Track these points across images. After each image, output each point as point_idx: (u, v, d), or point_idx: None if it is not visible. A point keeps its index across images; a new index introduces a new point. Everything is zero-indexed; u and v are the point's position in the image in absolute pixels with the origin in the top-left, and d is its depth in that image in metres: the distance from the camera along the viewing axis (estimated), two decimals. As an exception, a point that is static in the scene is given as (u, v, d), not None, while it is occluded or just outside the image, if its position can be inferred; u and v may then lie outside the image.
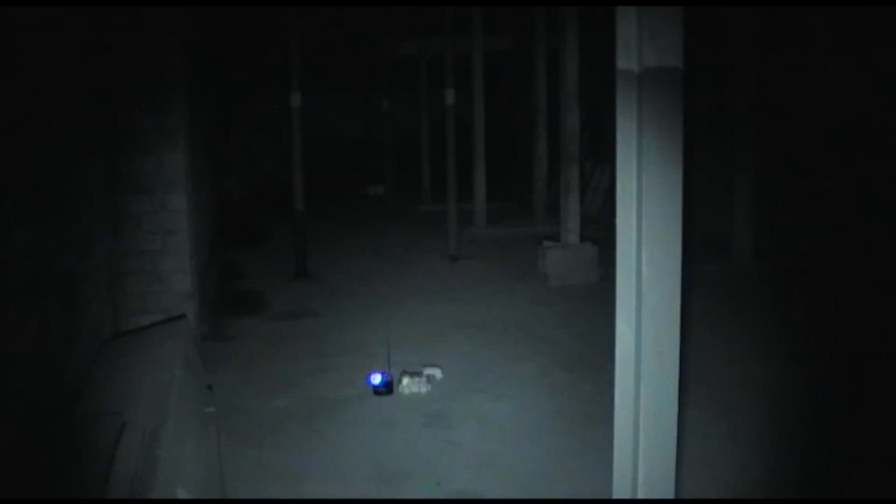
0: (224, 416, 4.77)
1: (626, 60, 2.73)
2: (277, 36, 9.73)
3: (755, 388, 5.24)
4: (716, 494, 3.88)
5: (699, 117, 9.17)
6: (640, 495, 2.82)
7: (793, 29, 8.26)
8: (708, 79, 9.36)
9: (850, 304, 6.77)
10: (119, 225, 5.47)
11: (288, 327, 7.01)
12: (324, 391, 5.44)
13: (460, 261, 9.43)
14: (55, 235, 3.96)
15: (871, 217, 7.16)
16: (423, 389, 5.36)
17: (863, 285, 6.98)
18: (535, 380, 5.59)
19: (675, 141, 2.70)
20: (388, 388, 5.32)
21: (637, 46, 2.67)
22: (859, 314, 6.51)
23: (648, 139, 2.68)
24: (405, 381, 5.38)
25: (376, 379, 5.34)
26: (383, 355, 5.63)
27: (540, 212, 11.21)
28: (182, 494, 3.10)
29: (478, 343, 6.41)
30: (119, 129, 5.43)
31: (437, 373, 5.57)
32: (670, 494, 2.86)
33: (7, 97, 3.40)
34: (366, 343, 6.32)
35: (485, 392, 5.37)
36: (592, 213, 11.17)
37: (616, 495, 2.92)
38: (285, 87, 8.91)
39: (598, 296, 7.24)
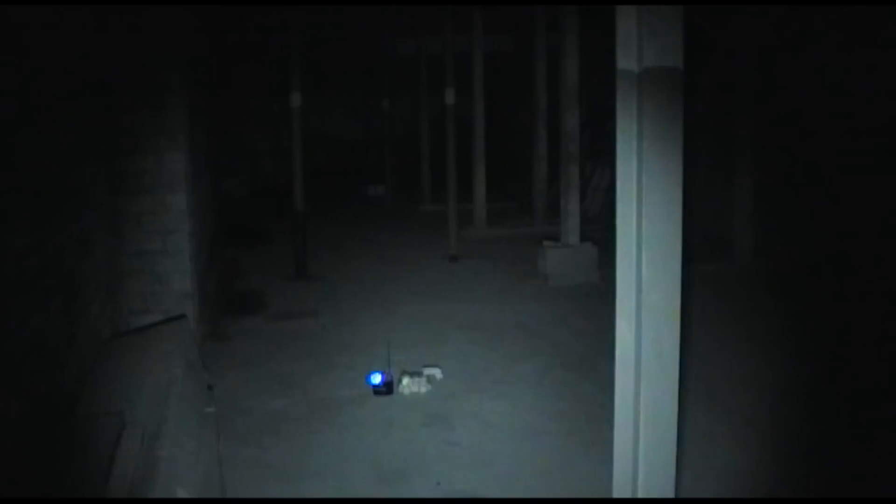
0: (224, 416, 4.78)
1: (626, 60, 2.74)
2: (277, 36, 9.73)
3: (755, 387, 5.24)
4: (716, 494, 3.88)
5: (699, 117, 9.18)
6: (640, 495, 2.82)
7: (793, 29, 8.26)
8: (708, 79, 9.36)
9: (849, 304, 6.77)
10: (119, 225, 5.47)
11: (288, 327, 7.00)
12: (324, 391, 5.44)
13: (460, 261, 9.42)
14: (55, 235, 3.97)
15: (871, 217, 7.16)
16: (423, 389, 5.35)
17: (863, 285, 6.98)
18: (535, 380, 5.59)
19: (675, 141, 2.70)
20: (388, 388, 5.32)
21: (637, 46, 2.67)
22: (859, 314, 6.51)
23: (648, 139, 2.68)
24: (405, 381, 5.38)
25: (376, 379, 5.34)
26: (383, 355, 5.63)
27: (540, 212, 11.20)
28: (182, 494, 3.10)
29: (478, 343, 6.41)
30: (119, 129, 5.44)
31: (437, 373, 5.57)
32: (670, 494, 2.86)
33: (8, 97, 3.40)
34: (366, 343, 6.32)
35: (485, 392, 5.37)
36: (592, 213, 11.17)
37: (616, 495, 2.93)
38: (285, 87, 8.91)
39: (598, 296, 7.24)
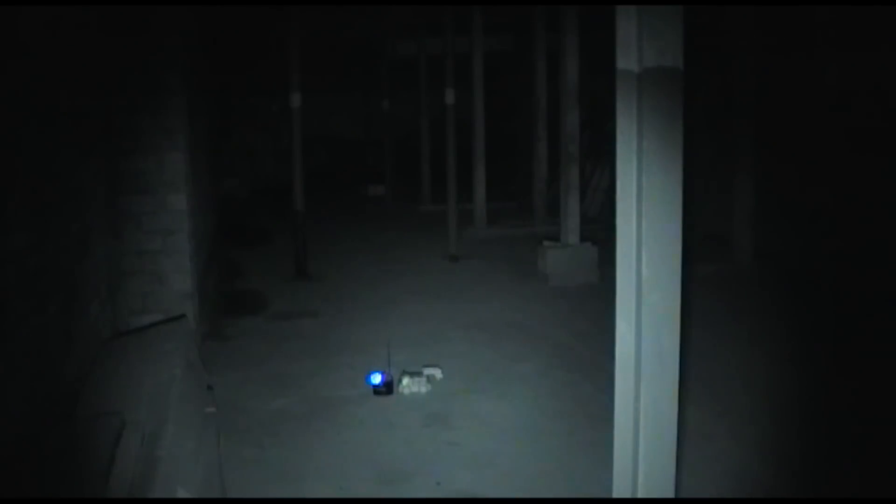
0: (224, 416, 4.77)
1: (626, 60, 2.73)
2: (277, 36, 9.74)
3: (755, 388, 5.24)
4: (716, 494, 3.88)
5: (699, 117, 9.18)
6: (640, 495, 2.82)
7: (793, 29, 8.26)
8: (708, 79, 9.36)
9: (849, 304, 6.77)
10: (119, 225, 5.47)
11: (288, 327, 7.00)
12: (324, 391, 5.44)
13: (460, 261, 9.42)
14: (55, 235, 3.97)
15: (871, 217, 7.16)
16: (423, 389, 5.35)
17: (862, 285, 6.98)
18: (535, 380, 5.59)
19: (675, 141, 2.70)
20: (388, 388, 5.32)
21: (637, 46, 2.67)
22: (859, 314, 6.51)
23: (648, 139, 2.68)
24: (405, 381, 5.38)
25: (376, 379, 5.34)
26: (383, 355, 5.63)
27: (540, 212, 11.20)
28: (182, 494, 3.10)
29: (478, 343, 6.41)
30: (119, 129, 5.44)
31: (437, 373, 5.57)
32: (670, 494, 2.86)
33: (8, 97, 3.40)
34: (366, 343, 6.32)
35: (485, 392, 5.37)
36: (592, 213, 11.17)
37: (616, 495, 2.93)
38: (285, 87, 8.91)
39: (598, 296, 7.24)
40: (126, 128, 5.46)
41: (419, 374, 5.48)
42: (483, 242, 10.40)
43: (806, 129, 8.13)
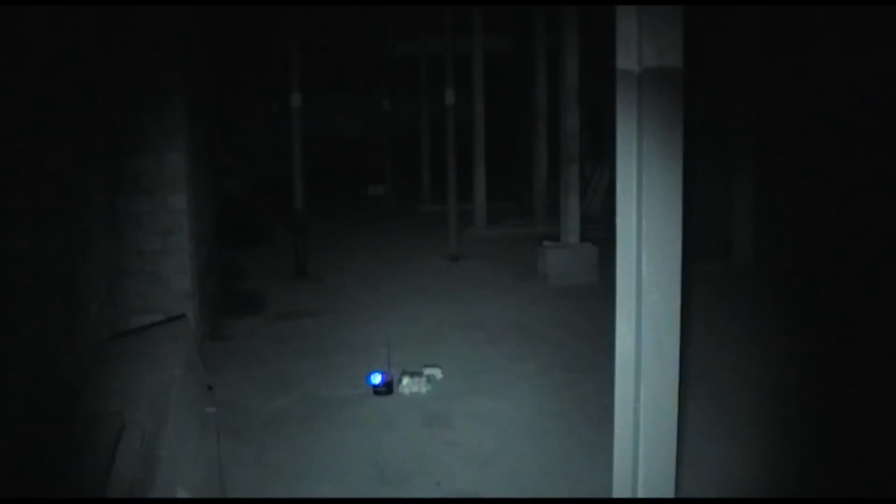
0: (224, 416, 4.78)
1: (626, 60, 2.74)
2: (277, 36, 9.75)
3: (755, 388, 5.25)
4: (716, 494, 3.88)
5: (699, 117, 9.18)
6: (640, 495, 2.82)
7: (794, 29, 8.26)
8: (708, 79, 9.36)
9: (849, 305, 6.77)
10: (119, 225, 5.47)
11: (288, 327, 7.00)
12: (324, 391, 5.44)
13: (460, 261, 9.42)
14: (55, 235, 3.96)
15: (871, 217, 7.16)
16: (423, 389, 5.35)
17: (863, 285, 6.98)
18: (535, 380, 5.59)
19: (675, 141, 2.70)
20: (388, 388, 5.32)
21: (637, 46, 2.67)
22: (859, 314, 6.51)
23: (648, 139, 2.68)
24: (405, 381, 5.38)
25: (376, 379, 5.34)
26: (383, 355, 5.63)
27: (540, 212, 11.20)
28: (182, 494, 3.10)
29: (478, 343, 6.41)
30: (119, 129, 5.44)
31: (437, 373, 5.57)
32: (670, 494, 2.86)
33: (7, 97, 3.40)
34: (366, 343, 6.32)
35: (485, 392, 5.37)
36: (592, 213, 11.17)
37: (616, 495, 2.93)
38: (285, 87, 8.91)
39: (598, 296, 7.24)
40: (126, 128, 5.46)
41: (419, 374, 5.48)
42: (483, 242, 10.40)
43: (806, 129, 8.13)
